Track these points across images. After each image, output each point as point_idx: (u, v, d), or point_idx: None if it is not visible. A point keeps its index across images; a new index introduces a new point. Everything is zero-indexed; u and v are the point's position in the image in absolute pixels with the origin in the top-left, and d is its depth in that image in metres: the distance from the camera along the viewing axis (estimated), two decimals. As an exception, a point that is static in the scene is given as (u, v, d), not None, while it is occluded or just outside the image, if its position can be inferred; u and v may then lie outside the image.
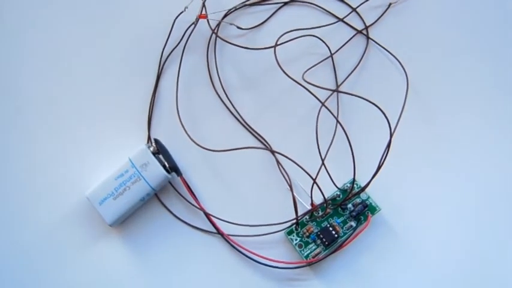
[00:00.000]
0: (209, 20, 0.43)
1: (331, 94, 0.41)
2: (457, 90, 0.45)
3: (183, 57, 0.43)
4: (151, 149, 0.40)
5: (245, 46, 0.43)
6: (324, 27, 0.43)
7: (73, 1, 0.47)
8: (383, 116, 0.35)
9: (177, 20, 0.42)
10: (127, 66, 0.45)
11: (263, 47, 0.39)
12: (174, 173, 0.40)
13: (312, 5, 0.46)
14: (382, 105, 0.35)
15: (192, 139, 0.41)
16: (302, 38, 0.41)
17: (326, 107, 0.37)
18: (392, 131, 0.35)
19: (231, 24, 0.45)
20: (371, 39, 0.43)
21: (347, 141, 0.36)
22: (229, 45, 0.43)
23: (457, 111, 0.44)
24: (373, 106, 0.35)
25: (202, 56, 0.43)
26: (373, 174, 0.37)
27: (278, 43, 0.39)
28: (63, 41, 0.46)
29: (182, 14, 0.44)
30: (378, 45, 0.43)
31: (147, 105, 0.44)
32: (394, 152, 0.36)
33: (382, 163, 0.37)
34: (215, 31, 0.44)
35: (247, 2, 0.46)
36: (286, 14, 0.45)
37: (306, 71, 0.40)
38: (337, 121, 0.37)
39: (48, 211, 0.41)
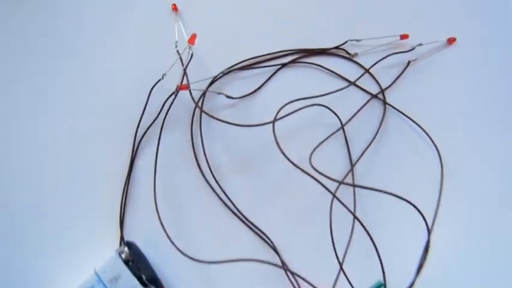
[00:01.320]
0: (191, 91, 0.35)
1: (341, 184, 0.33)
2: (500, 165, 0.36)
3: (162, 135, 0.36)
4: (124, 255, 0.32)
5: (236, 122, 0.35)
6: (332, 93, 0.36)
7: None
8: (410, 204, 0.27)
9: (154, 89, 0.36)
10: (96, 146, 0.37)
11: (258, 124, 0.32)
12: (153, 286, 0.31)
13: (316, 66, 0.39)
14: (409, 188, 0.28)
15: (174, 244, 0.32)
16: (307, 107, 0.34)
17: (339, 200, 0.30)
18: (430, 228, 0.27)
19: (218, 93, 0.37)
20: (389, 104, 0.37)
21: (367, 235, 0.29)
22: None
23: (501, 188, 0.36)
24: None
25: (186, 133, 0.37)
26: (412, 283, 0.28)
27: (277, 117, 0.32)
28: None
29: (160, 82, 0.36)
30: (397, 112, 0.37)
31: (119, 197, 0.35)
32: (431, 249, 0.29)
33: (421, 266, 0.28)
34: (199, 104, 0.36)
35: (236, 66, 0.38)
36: (286, 78, 0.39)
37: (313, 151, 0.33)
38: (354, 216, 0.30)
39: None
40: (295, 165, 0.30)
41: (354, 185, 0.34)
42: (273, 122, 0.32)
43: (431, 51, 0.39)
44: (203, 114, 0.37)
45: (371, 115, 0.37)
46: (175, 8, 0.39)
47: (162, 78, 0.36)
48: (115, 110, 0.37)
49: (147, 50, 0.39)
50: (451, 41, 0.39)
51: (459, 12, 0.39)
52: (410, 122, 0.37)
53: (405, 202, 0.28)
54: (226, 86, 0.38)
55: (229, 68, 0.38)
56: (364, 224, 0.30)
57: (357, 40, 0.38)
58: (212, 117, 0.35)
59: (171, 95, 0.36)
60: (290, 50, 0.39)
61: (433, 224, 0.29)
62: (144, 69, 0.37)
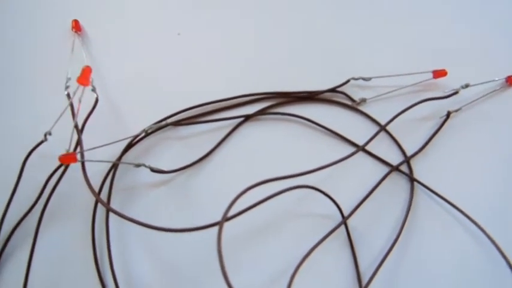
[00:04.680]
0: (88, 162, 0.21)
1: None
2: None
3: (42, 234, 0.23)
4: None
5: (172, 207, 0.23)
6: (327, 167, 0.23)
7: None
8: None
9: (34, 157, 0.24)
10: None
11: (196, 227, 0.20)
12: None
13: (299, 119, 0.27)
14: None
15: None
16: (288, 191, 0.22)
17: None
18: None
19: (137, 165, 0.23)
20: (417, 181, 0.25)
21: None
22: (138, 208, 0.24)
23: None
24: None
25: (83, 232, 0.24)
26: None
27: (228, 216, 0.19)
28: None
29: (44, 145, 0.24)
30: (431, 193, 0.25)
31: None
32: None
33: None
34: (101, 191, 0.24)
35: (170, 119, 0.25)
36: (250, 138, 0.26)
37: (297, 267, 0.20)
38: None
39: None
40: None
41: None
42: (221, 222, 0.19)
43: (482, 97, 0.27)
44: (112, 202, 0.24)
45: (389, 198, 0.25)
46: (76, 26, 0.25)
47: (45, 139, 0.24)
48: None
49: (27, 90, 0.26)
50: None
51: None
52: (454, 210, 0.24)
53: None
54: (154, 151, 0.26)
55: (157, 122, 0.25)
56: None
57: (364, 79, 0.26)
58: (121, 215, 0.21)
59: (55, 170, 0.23)
60: (259, 94, 0.26)
61: None
62: (20, 123, 0.25)
